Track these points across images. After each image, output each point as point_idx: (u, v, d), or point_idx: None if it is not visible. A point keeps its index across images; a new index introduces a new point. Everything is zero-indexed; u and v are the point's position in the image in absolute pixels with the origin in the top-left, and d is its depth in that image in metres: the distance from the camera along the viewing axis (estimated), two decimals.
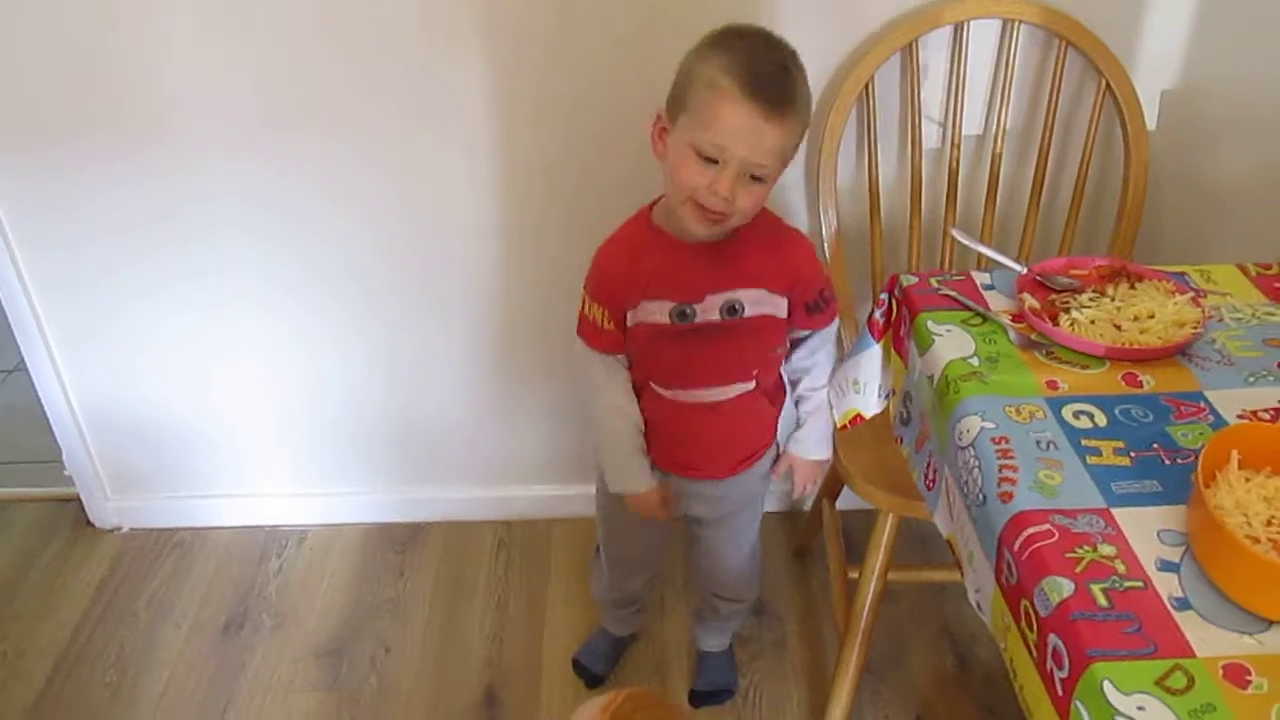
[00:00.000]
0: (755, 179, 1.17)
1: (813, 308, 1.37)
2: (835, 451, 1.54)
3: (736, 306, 1.29)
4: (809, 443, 1.45)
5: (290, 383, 1.90)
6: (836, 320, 1.41)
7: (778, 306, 1.33)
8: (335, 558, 1.98)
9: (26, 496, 2.12)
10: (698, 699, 1.70)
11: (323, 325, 1.83)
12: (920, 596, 1.86)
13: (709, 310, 1.29)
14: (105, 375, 1.89)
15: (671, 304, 1.28)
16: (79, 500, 2.04)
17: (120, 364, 1.87)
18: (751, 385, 1.37)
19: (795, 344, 1.42)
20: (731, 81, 1.11)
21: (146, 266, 1.75)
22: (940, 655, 1.79)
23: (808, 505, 1.98)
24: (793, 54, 1.18)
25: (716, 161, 1.15)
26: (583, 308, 1.35)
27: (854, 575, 1.57)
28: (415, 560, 1.98)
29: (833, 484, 1.81)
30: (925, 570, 1.79)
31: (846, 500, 1.80)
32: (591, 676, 1.74)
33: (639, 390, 1.39)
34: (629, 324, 1.32)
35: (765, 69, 1.13)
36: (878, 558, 1.49)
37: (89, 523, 2.05)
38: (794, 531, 2.02)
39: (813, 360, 1.42)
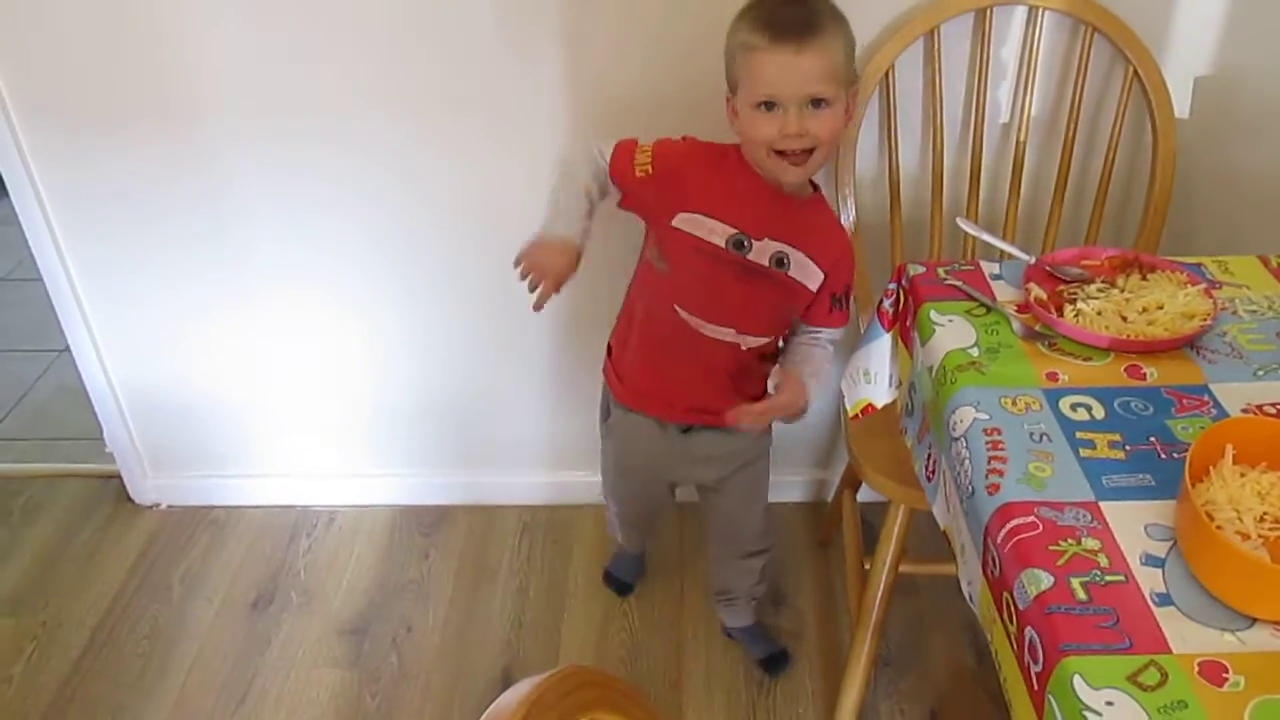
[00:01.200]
0: (818, 104, 1.22)
1: (837, 300, 1.40)
2: (849, 443, 1.53)
3: (785, 260, 1.32)
4: (808, 372, 1.41)
5: (324, 366, 1.93)
6: (844, 329, 1.44)
7: (814, 279, 1.36)
8: (363, 538, 2.02)
9: (70, 472, 2.19)
10: (767, 665, 1.73)
11: (357, 311, 1.86)
12: (942, 590, 1.84)
13: (762, 252, 1.31)
14: (145, 357, 1.94)
15: (733, 230, 1.30)
16: (119, 477, 2.10)
17: (159, 346, 1.92)
18: (765, 341, 1.40)
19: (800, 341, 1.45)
20: (757, 36, 1.20)
21: (186, 251, 1.79)
22: (960, 649, 1.77)
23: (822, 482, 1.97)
24: None
25: (775, 105, 1.22)
26: (632, 144, 1.34)
27: (870, 567, 1.56)
28: (440, 542, 2.01)
29: (854, 474, 1.80)
30: (945, 563, 1.76)
31: (869, 493, 1.79)
32: (622, 585, 1.88)
33: (660, 309, 1.38)
34: (676, 224, 1.31)
35: (781, 11, 1.21)
36: (889, 549, 1.48)
37: (129, 499, 2.11)
38: (817, 523, 2.01)
39: (824, 340, 1.45)
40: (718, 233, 1.30)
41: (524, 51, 1.57)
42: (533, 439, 2.01)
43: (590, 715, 0.63)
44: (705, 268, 1.32)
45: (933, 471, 1.14)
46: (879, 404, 1.37)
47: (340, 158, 1.68)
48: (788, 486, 2.04)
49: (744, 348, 1.39)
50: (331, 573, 1.95)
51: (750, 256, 1.30)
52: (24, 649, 1.80)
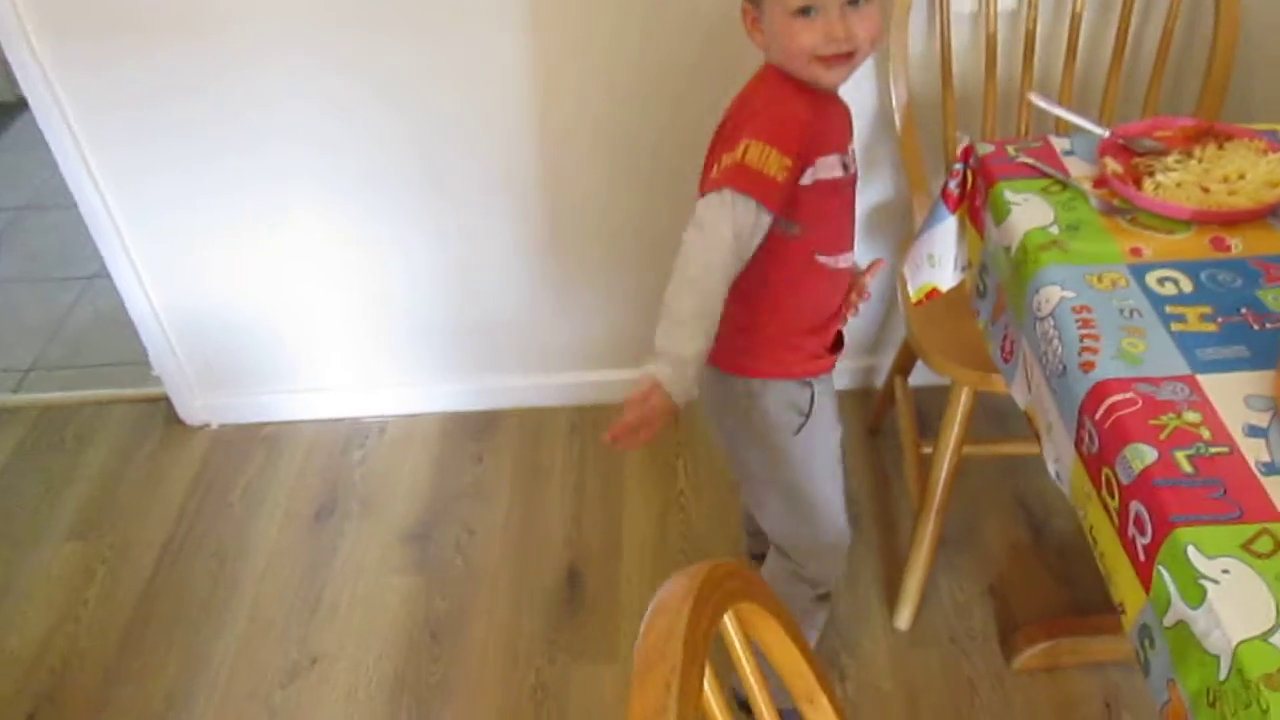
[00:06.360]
0: (856, 1, 1.10)
1: None
2: (910, 326, 1.53)
3: (853, 158, 1.25)
4: None
5: (366, 276, 1.93)
6: None
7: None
8: (416, 446, 2.04)
9: (117, 397, 2.20)
10: None
11: (393, 222, 1.85)
12: (992, 470, 1.87)
13: (852, 161, 1.24)
14: (185, 276, 1.93)
15: (839, 154, 1.20)
16: (167, 399, 2.11)
17: (199, 265, 1.91)
18: None
19: None
20: None
21: (219, 166, 1.76)
22: (1014, 527, 1.79)
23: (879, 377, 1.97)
24: None
25: (814, 10, 1.09)
26: (757, 162, 1.11)
27: (927, 450, 1.58)
28: (492, 446, 2.03)
29: (905, 360, 1.80)
30: (1000, 443, 1.78)
31: (917, 376, 1.80)
32: None
33: (800, 273, 1.25)
34: (805, 181, 1.17)
35: None
36: (952, 432, 1.49)
37: (179, 420, 2.13)
38: (866, 409, 2.02)
39: None
40: (835, 165, 1.19)
41: None
42: (577, 339, 2.02)
43: (737, 605, 0.64)
44: (835, 204, 1.22)
45: (1010, 353, 1.14)
46: (944, 288, 1.36)
47: (369, 74, 1.66)
48: (836, 374, 2.04)
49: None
50: (388, 481, 1.97)
51: (853, 170, 1.24)
52: (95, 571, 1.84)
